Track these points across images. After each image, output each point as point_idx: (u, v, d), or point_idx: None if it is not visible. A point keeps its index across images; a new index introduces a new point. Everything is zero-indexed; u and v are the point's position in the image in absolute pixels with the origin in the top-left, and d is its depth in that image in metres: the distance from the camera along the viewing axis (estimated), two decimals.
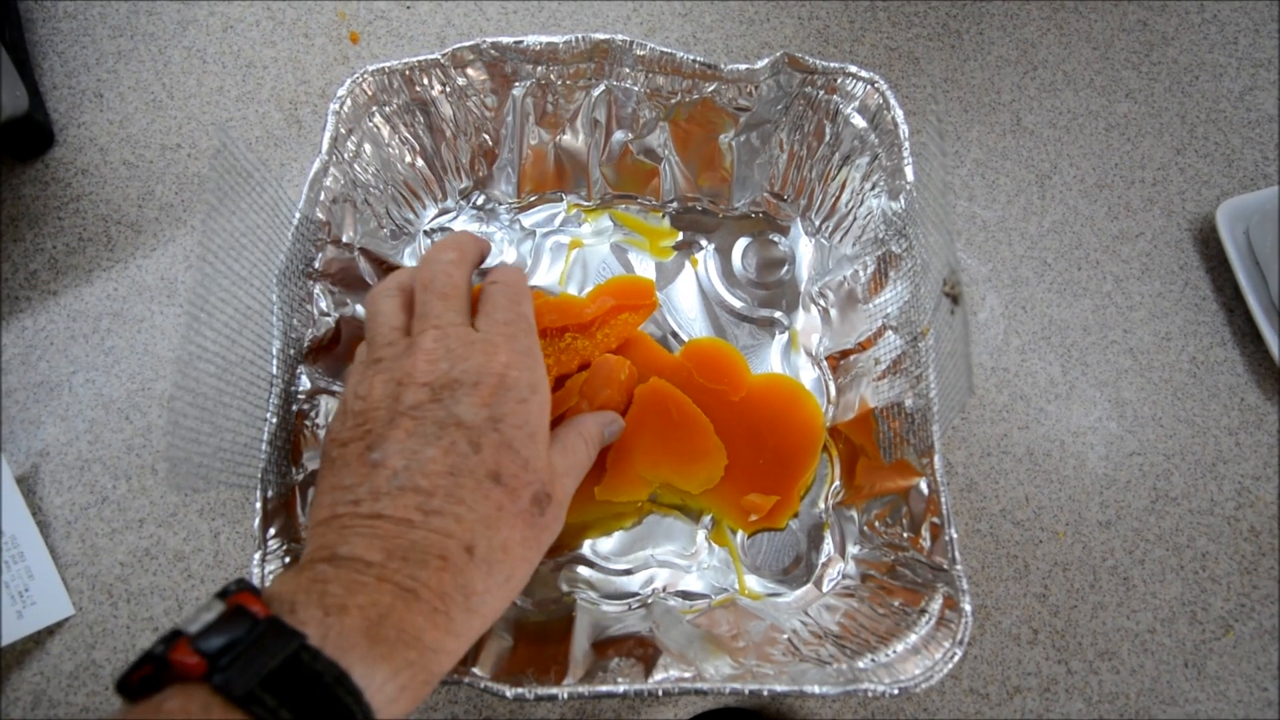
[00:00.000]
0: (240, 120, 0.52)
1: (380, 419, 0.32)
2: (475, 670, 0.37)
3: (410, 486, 0.30)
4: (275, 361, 0.39)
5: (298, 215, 0.40)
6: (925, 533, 0.39)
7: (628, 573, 0.44)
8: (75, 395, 0.47)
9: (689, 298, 0.49)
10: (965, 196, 0.53)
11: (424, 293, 0.35)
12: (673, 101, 0.45)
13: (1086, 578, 0.46)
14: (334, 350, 0.43)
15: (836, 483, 0.45)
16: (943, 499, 0.38)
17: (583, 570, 0.44)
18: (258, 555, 0.36)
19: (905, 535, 0.40)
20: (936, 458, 0.39)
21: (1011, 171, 0.54)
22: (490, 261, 0.49)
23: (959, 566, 0.37)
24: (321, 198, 0.41)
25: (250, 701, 0.22)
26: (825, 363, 0.47)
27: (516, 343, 0.34)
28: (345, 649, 0.25)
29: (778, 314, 0.48)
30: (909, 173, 0.42)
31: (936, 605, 0.37)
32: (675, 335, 0.48)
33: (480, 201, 0.50)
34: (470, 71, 0.45)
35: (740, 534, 0.44)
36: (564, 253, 0.49)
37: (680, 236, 0.50)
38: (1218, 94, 0.56)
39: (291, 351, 0.40)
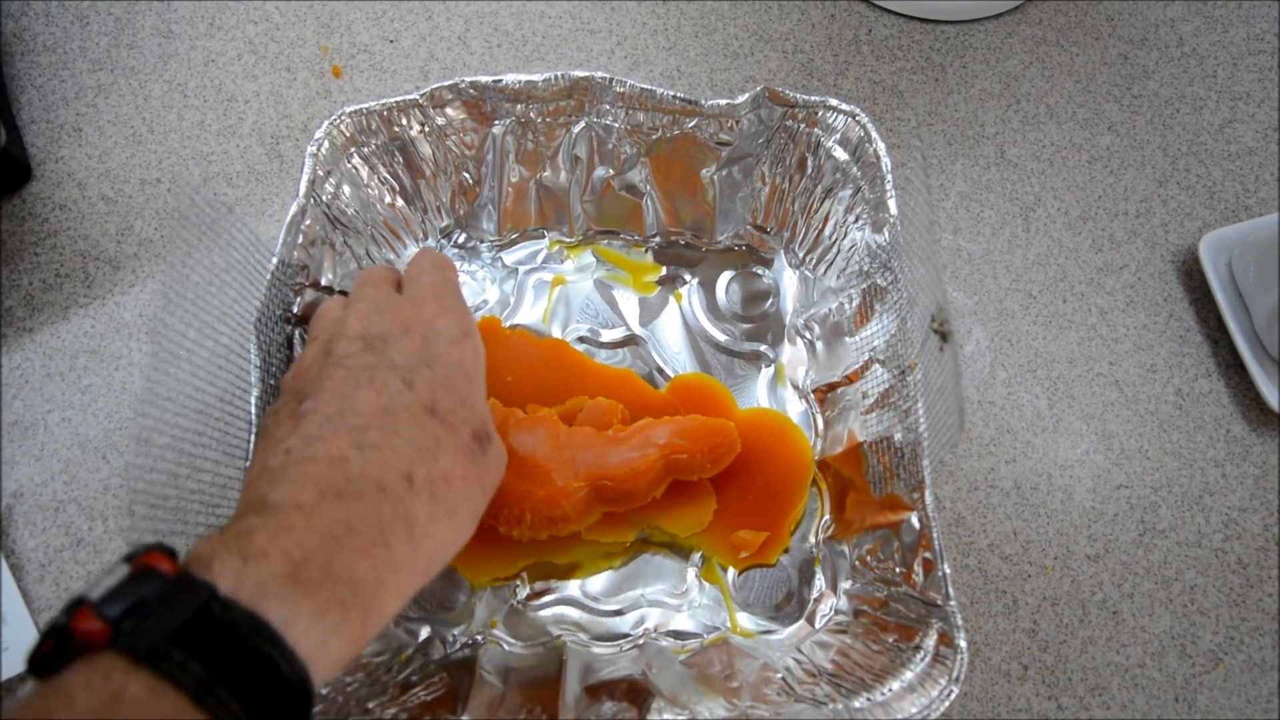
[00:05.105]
0: (221, 155, 0.52)
1: (311, 376, 0.32)
2: (465, 717, 0.36)
3: (343, 426, 0.29)
4: (253, 406, 0.38)
5: (275, 260, 0.39)
6: (918, 568, 0.38)
7: (618, 613, 0.43)
8: (51, 434, 0.46)
9: (674, 333, 0.49)
10: (950, 229, 0.53)
11: (356, 287, 0.36)
12: (653, 137, 0.45)
13: (1075, 612, 0.46)
14: None
15: (826, 517, 0.45)
16: (934, 534, 0.38)
17: (572, 612, 0.43)
18: None
19: (897, 570, 0.40)
20: (927, 492, 0.38)
21: (996, 204, 0.54)
22: (471, 301, 0.49)
23: (953, 602, 0.37)
24: (299, 240, 0.41)
25: (156, 659, 0.21)
26: (812, 395, 0.47)
27: (444, 299, 0.35)
28: (261, 595, 0.23)
29: (763, 347, 0.48)
30: (892, 205, 0.42)
31: (931, 641, 0.37)
32: (660, 371, 0.48)
33: (461, 240, 0.50)
34: (449, 111, 0.44)
35: (731, 571, 0.44)
36: (547, 290, 0.49)
37: (664, 271, 0.50)
38: (1198, 127, 0.56)
39: (271, 398, 0.39)
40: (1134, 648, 0.45)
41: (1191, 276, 0.53)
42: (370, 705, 0.36)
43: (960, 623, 0.36)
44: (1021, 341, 0.51)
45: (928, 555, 0.38)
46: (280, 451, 0.29)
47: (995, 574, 0.46)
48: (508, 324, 0.48)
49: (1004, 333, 0.51)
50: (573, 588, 0.43)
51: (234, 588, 0.23)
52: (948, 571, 0.37)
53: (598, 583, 0.44)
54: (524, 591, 0.43)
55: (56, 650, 0.21)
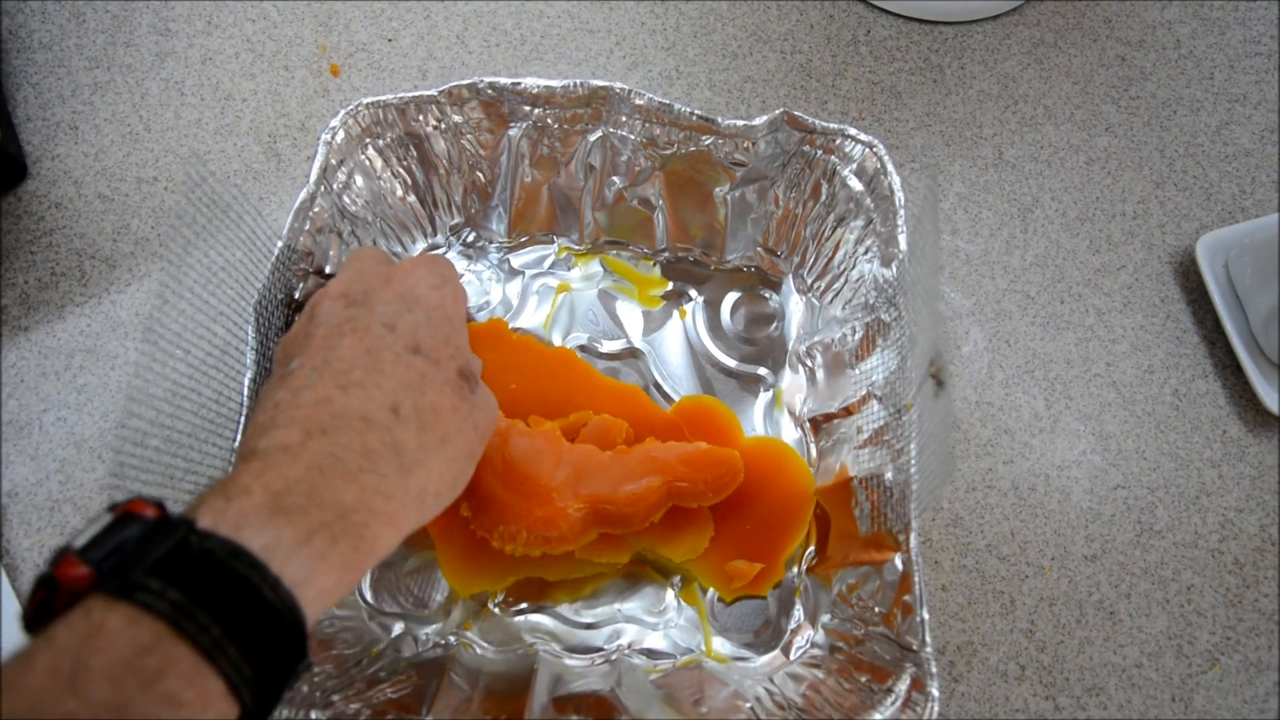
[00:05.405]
0: (218, 153, 0.52)
1: (298, 340, 0.32)
2: (429, 718, 0.36)
3: (328, 373, 0.29)
4: (246, 388, 0.37)
5: (280, 243, 0.39)
6: (897, 610, 0.38)
7: (593, 626, 0.43)
8: (46, 434, 0.46)
9: (675, 349, 0.48)
10: (949, 230, 0.53)
11: (343, 263, 0.37)
12: (668, 152, 0.45)
13: (1073, 613, 0.46)
14: None
15: (811, 548, 0.44)
16: (917, 578, 0.37)
17: (547, 621, 0.43)
18: None
19: (876, 610, 0.39)
20: (913, 536, 0.38)
21: (994, 205, 0.54)
22: (474, 300, 0.48)
23: (929, 649, 0.36)
24: (306, 227, 0.41)
25: (133, 590, 0.21)
26: (808, 424, 0.47)
27: (422, 258, 0.35)
28: (241, 525, 0.23)
29: (763, 371, 0.48)
30: (902, 241, 0.41)
31: (904, 686, 0.36)
32: (658, 386, 0.47)
33: (470, 239, 0.49)
34: (467, 109, 0.44)
35: (710, 594, 0.43)
36: (551, 295, 0.49)
37: (670, 286, 0.49)
38: (1195, 128, 0.57)
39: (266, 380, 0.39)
40: (1131, 648, 0.46)
41: (1188, 278, 0.53)
42: (334, 699, 0.35)
43: (934, 670, 0.35)
44: (1019, 342, 0.51)
45: (908, 599, 0.37)
46: (269, 407, 0.29)
47: (993, 574, 0.46)
48: (510, 327, 0.48)
49: (1001, 333, 0.51)
50: (549, 594, 0.43)
51: (215, 522, 0.23)
52: (926, 618, 0.36)
53: (576, 594, 0.43)
54: (501, 595, 0.43)
55: (47, 603, 0.21)
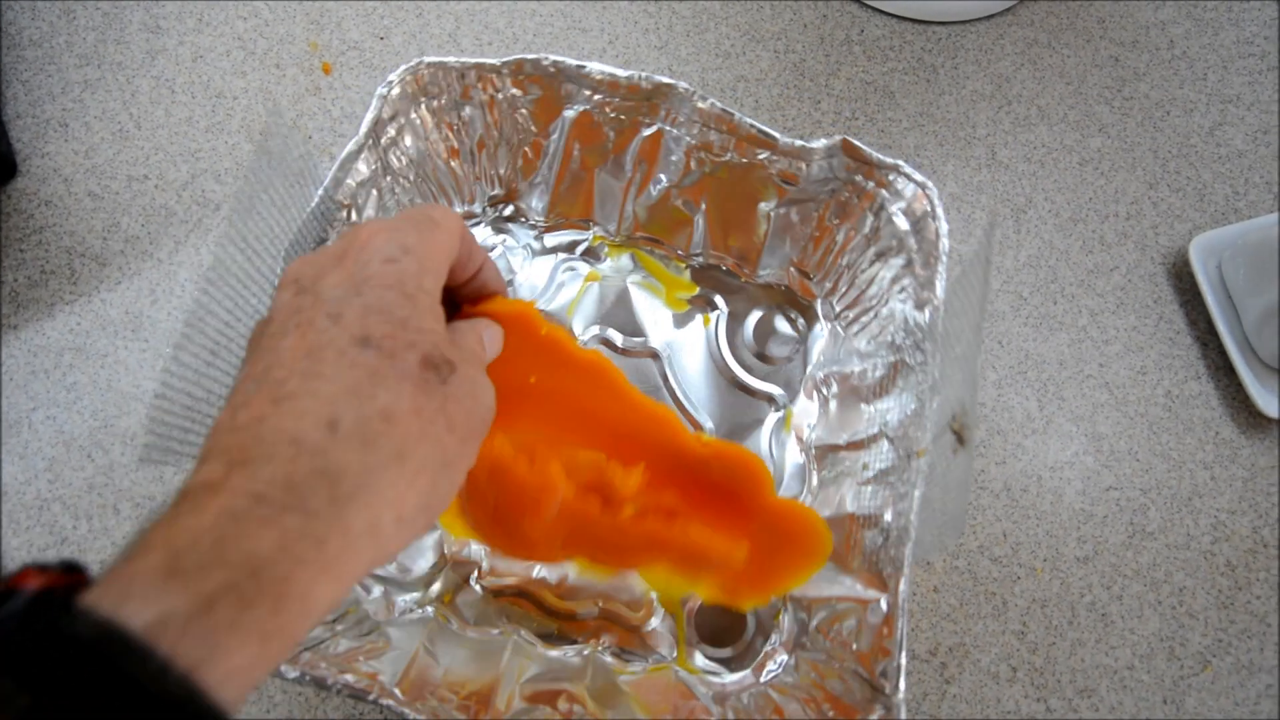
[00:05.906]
0: (209, 152, 0.52)
1: (251, 343, 0.28)
2: (396, 690, 0.35)
3: (266, 383, 0.25)
4: None
5: (320, 192, 0.38)
6: (875, 652, 0.37)
7: (571, 618, 0.42)
8: (35, 432, 0.45)
9: (693, 356, 0.48)
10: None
11: None
12: (721, 159, 0.44)
13: (1065, 614, 0.46)
14: None
15: None
16: (900, 623, 0.36)
17: (526, 605, 0.43)
18: None
19: (854, 647, 0.38)
20: (903, 581, 0.37)
21: (987, 205, 0.54)
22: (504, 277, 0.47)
23: (901, 695, 0.35)
24: (349, 180, 0.40)
25: None
26: (813, 451, 0.46)
27: (390, 220, 0.30)
28: (125, 598, 0.19)
29: (778, 391, 0.47)
30: (939, 288, 0.40)
31: None
32: (670, 389, 0.47)
33: (508, 213, 0.49)
34: (526, 84, 0.44)
35: (690, 603, 0.43)
36: (578, 281, 0.48)
37: (697, 291, 0.49)
38: (1188, 129, 0.56)
39: None
40: (1123, 650, 0.45)
41: (1181, 279, 0.53)
42: (305, 655, 0.34)
43: (904, 716, 0.35)
44: (1012, 343, 0.51)
45: (888, 643, 0.36)
46: (212, 434, 0.25)
47: (985, 576, 0.46)
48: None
49: (994, 334, 0.51)
50: (532, 583, 0.43)
51: (100, 594, 0.19)
52: (903, 664, 0.35)
53: (557, 585, 0.43)
54: (486, 566, 0.43)
55: None
